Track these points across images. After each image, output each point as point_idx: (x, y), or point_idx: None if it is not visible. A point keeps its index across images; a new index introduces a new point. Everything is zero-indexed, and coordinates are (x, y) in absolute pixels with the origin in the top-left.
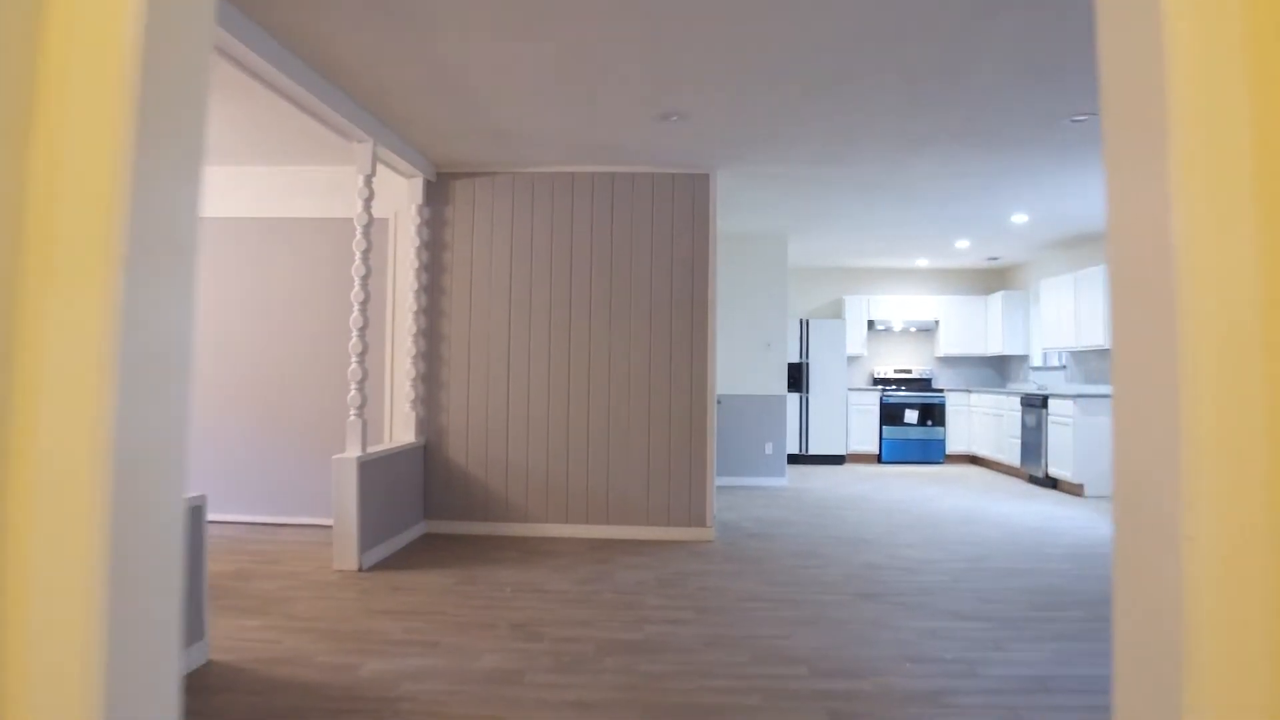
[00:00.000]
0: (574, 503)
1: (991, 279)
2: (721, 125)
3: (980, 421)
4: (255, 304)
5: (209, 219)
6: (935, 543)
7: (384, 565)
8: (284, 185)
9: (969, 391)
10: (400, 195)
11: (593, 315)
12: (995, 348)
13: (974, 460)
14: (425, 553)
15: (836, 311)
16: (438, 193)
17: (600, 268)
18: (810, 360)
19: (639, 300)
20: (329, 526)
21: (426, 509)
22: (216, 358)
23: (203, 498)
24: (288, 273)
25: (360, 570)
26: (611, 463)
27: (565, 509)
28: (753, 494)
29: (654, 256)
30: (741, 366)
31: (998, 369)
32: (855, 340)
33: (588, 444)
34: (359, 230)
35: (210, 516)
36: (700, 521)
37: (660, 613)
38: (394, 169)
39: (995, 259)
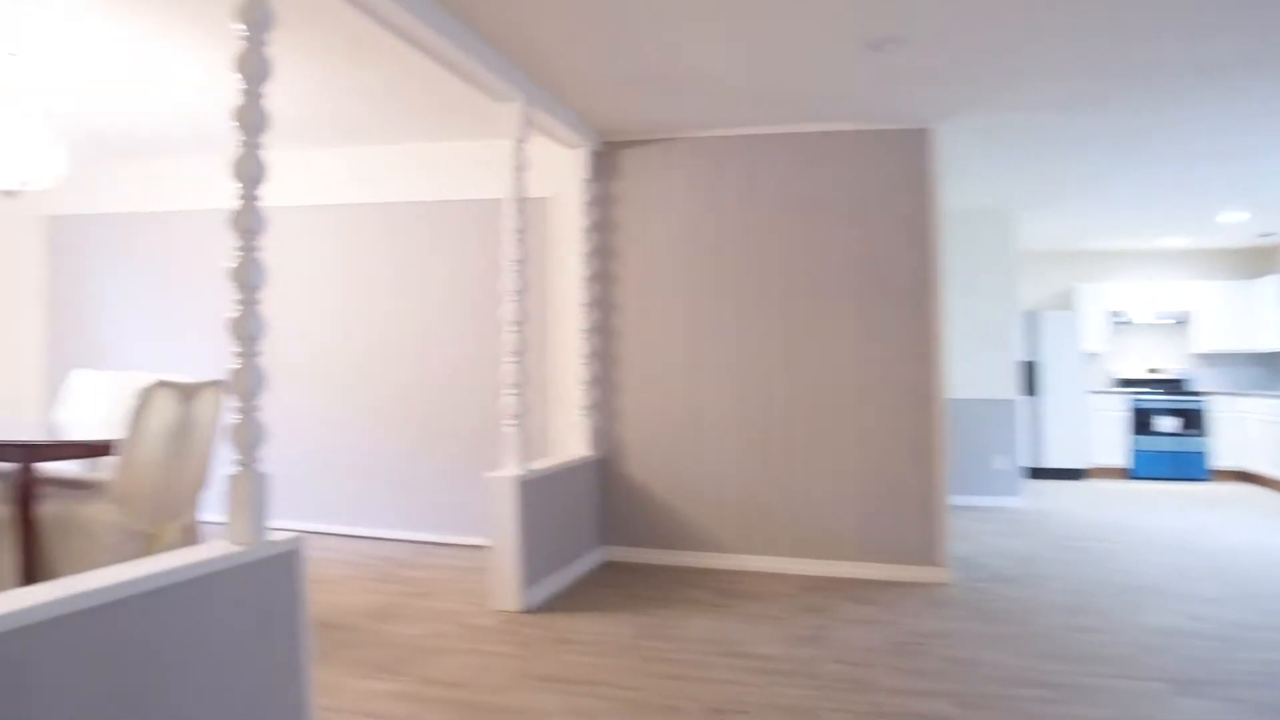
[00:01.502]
0: (777, 531)
1: (1260, 260)
2: (951, 52)
3: (1256, 431)
4: (403, 300)
5: (342, 204)
6: (1246, 597)
7: (551, 605)
8: (427, 164)
9: (1237, 395)
10: (562, 172)
11: (790, 307)
12: (1269, 343)
13: (1247, 477)
14: (602, 589)
15: (1066, 302)
16: (605, 165)
17: (796, 248)
18: (1040, 359)
19: (844, 287)
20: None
21: (605, 533)
22: (367, 357)
23: (299, 539)
24: (438, 263)
25: (522, 611)
26: (819, 484)
27: (767, 539)
28: (983, 518)
29: (861, 234)
30: (961, 365)
31: (1272, 368)
32: (1092, 335)
33: (790, 461)
34: (511, 206)
35: (367, 533)
36: (931, 558)
37: (903, 701)
38: (553, 137)
39: (1269, 234)
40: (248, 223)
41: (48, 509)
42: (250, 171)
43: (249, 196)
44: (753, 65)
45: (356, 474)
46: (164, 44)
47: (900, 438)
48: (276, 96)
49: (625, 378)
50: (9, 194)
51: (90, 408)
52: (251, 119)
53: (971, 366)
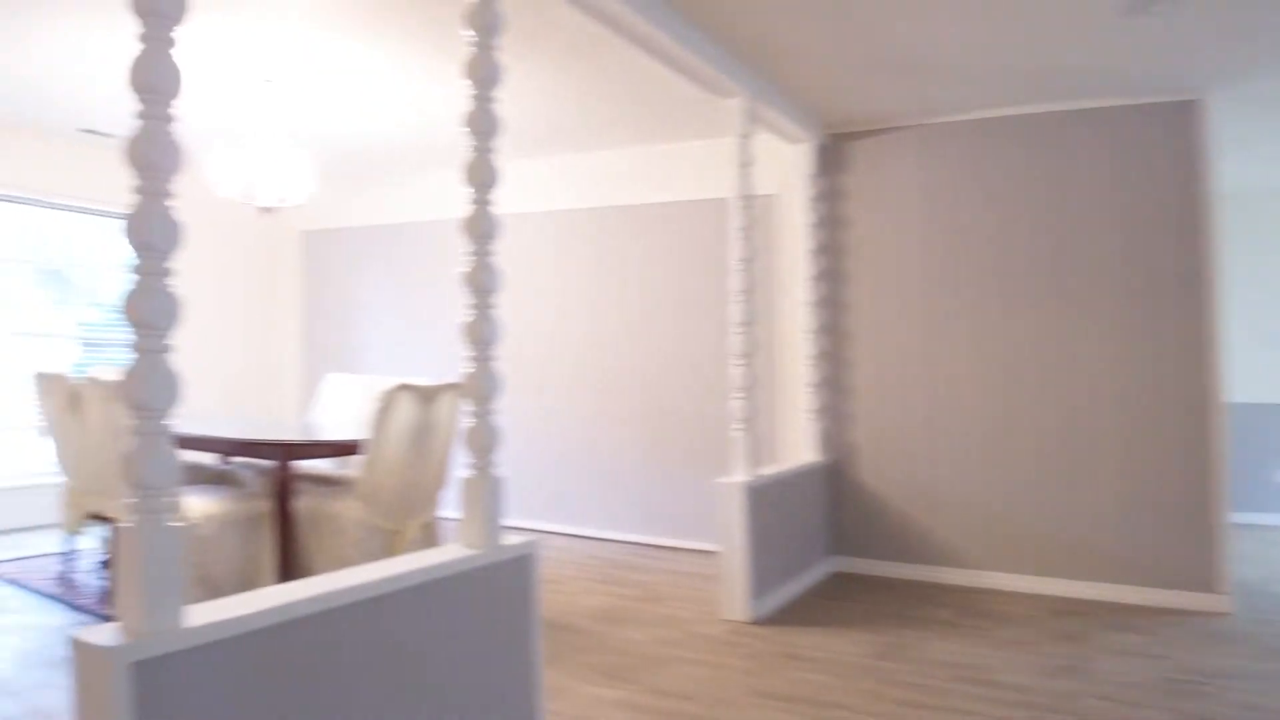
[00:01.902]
0: (1024, 547)
1: None
2: (1227, 7)
3: None
4: (630, 303)
5: (565, 210)
6: None
7: (781, 617)
8: (645, 168)
9: None
10: (786, 168)
11: (1037, 303)
12: None
13: None
14: (833, 602)
15: None
16: (832, 159)
17: (1043, 239)
18: None
19: (1100, 282)
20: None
21: (835, 542)
22: (595, 360)
23: (533, 544)
24: (663, 265)
25: (751, 622)
26: (1073, 496)
27: (1015, 554)
28: (1262, 538)
29: (1119, 222)
30: (1239, 366)
31: None
32: None
33: (1039, 469)
34: (738, 204)
35: (596, 534)
36: (1206, 584)
37: None
38: (777, 132)
39: None
40: (481, 227)
41: (302, 503)
42: (482, 176)
43: (481, 201)
44: (995, 41)
45: (585, 475)
46: (402, 66)
47: (1169, 446)
48: (508, 103)
49: (856, 380)
50: (267, 210)
51: (341, 409)
52: (482, 123)
53: (1252, 367)
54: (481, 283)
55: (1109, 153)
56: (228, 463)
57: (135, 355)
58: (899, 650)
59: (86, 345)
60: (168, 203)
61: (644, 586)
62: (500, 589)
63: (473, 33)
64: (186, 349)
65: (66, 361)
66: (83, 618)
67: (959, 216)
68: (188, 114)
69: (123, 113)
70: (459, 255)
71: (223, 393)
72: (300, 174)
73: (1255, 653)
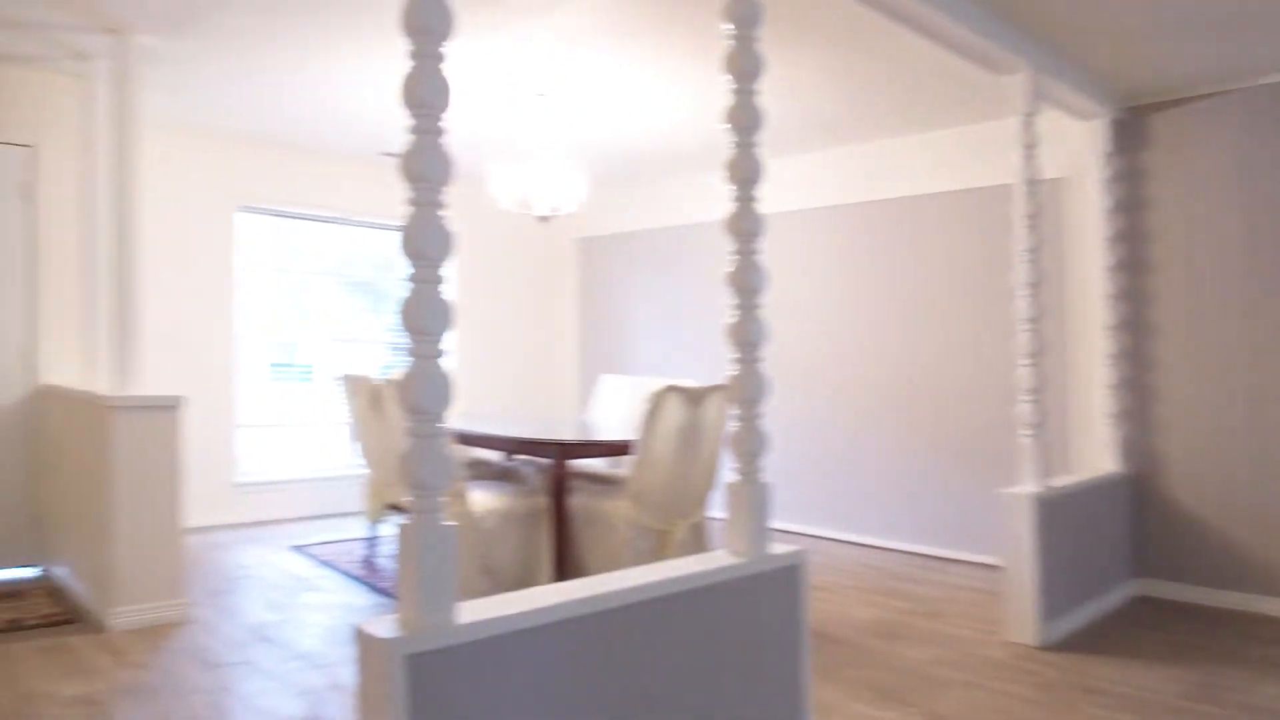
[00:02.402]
0: None
1: None
2: None
3: None
4: (904, 300)
5: (832, 206)
6: None
7: (1074, 643)
8: (916, 157)
9: None
10: (1075, 148)
11: None
12: None
13: None
14: (1135, 629)
15: None
16: (1130, 135)
17: None
18: None
19: None
20: (1003, 567)
21: (1138, 563)
22: (867, 360)
23: (801, 554)
24: (937, 259)
25: (1039, 647)
26: None
27: None
28: None
29: None
30: None
31: None
32: None
33: None
34: (1022, 189)
35: (869, 541)
36: None
37: None
38: (1065, 109)
39: None
40: (744, 225)
41: (576, 501)
42: (745, 172)
43: (745, 198)
44: None
45: (857, 479)
46: (665, 71)
47: None
48: (766, 101)
49: (1163, 381)
50: (543, 219)
51: (613, 410)
52: (744, 118)
53: None
54: (746, 282)
55: None
56: (511, 460)
57: (411, 360)
58: (1216, 691)
59: (392, 349)
60: (440, 213)
61: (920, 600)
62: (767, 599)
63: (731, 26)
64: (474, 352)
65: (373, 364)
66: (382, 600)
67: None
68: (468, 129)
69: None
70: (724, 256)
71: (507, 393)
72: (573, 183)
73: None
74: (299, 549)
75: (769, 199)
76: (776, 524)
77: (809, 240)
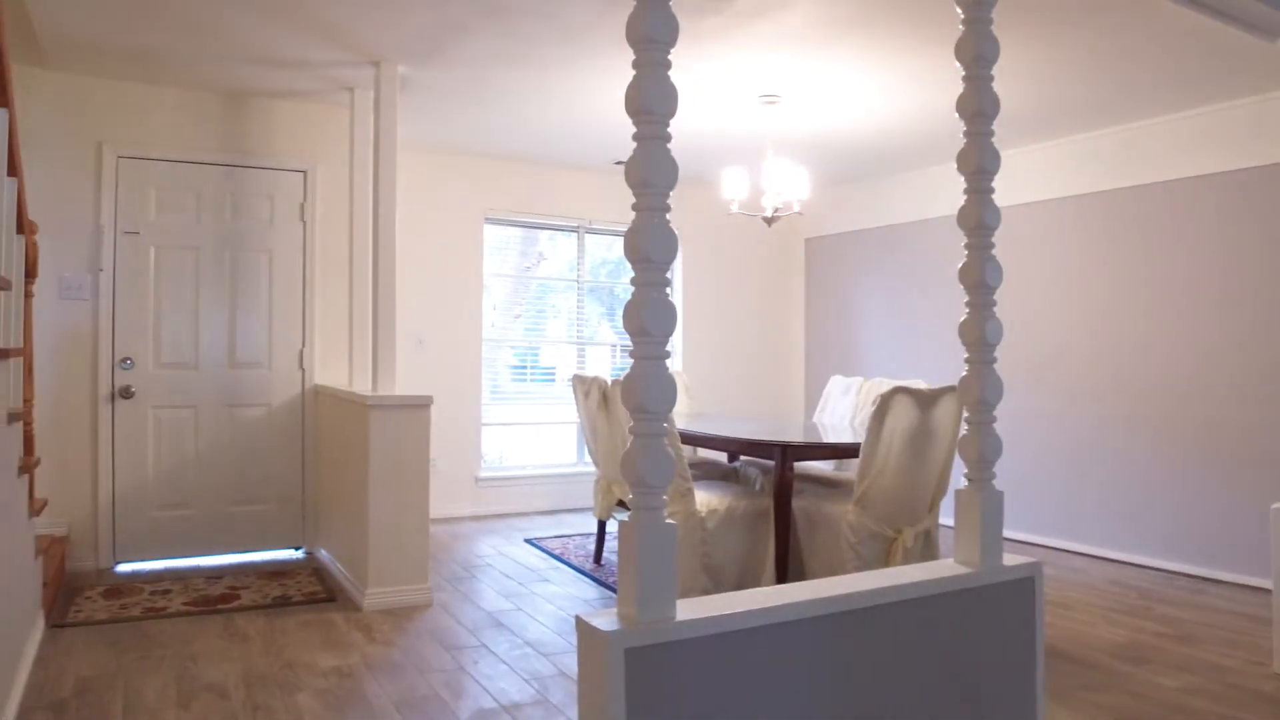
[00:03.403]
0: None
1: None
2: None
3: None
4: (1157, 295)
5: (1075, 196)
6: None
7: None
8: (1172, 139)
9: None
10: None
11: None
12: None
13: None
14: None
15: None
16: None
17: None
18: None
19: None
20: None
21: None
22: (1116, 360)
23: (1036, 566)
24: (1197, 247)
25: None
26: None
27: None
28: None
29: None
30: None
31: None
32: None
33: None
34: None
35: (1115, 556)
36: None
37: None
38: None
39: None
40: (979, 217)
41: (800, 504)
42: (979, 161)
43: (979, 189)
44: None
45: (1105, 489)
46: (892, 65)
47: None
48: (998, 88)
49: None
50: (769, 220)
51: (841, 411)
52: (977, 104)
53: None
54: (979, 279)
55: None
56: (737, 461)
57: (634, 361)
58: None
59: (623, 351)
60: (663, 217)
61: (1174, 622)
62: (997, 612)
63: (962, 10)
64: (702, 354)
65: (606, 366)
66: (608, 593)
67: None
68: (698, 134)
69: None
70: (956, 251)
71: (734, 394)
72: (798, 183)
73: None
74: (533, 542)
75: (1010, 190)
76: (1011, 533)
77: (1052, 234)
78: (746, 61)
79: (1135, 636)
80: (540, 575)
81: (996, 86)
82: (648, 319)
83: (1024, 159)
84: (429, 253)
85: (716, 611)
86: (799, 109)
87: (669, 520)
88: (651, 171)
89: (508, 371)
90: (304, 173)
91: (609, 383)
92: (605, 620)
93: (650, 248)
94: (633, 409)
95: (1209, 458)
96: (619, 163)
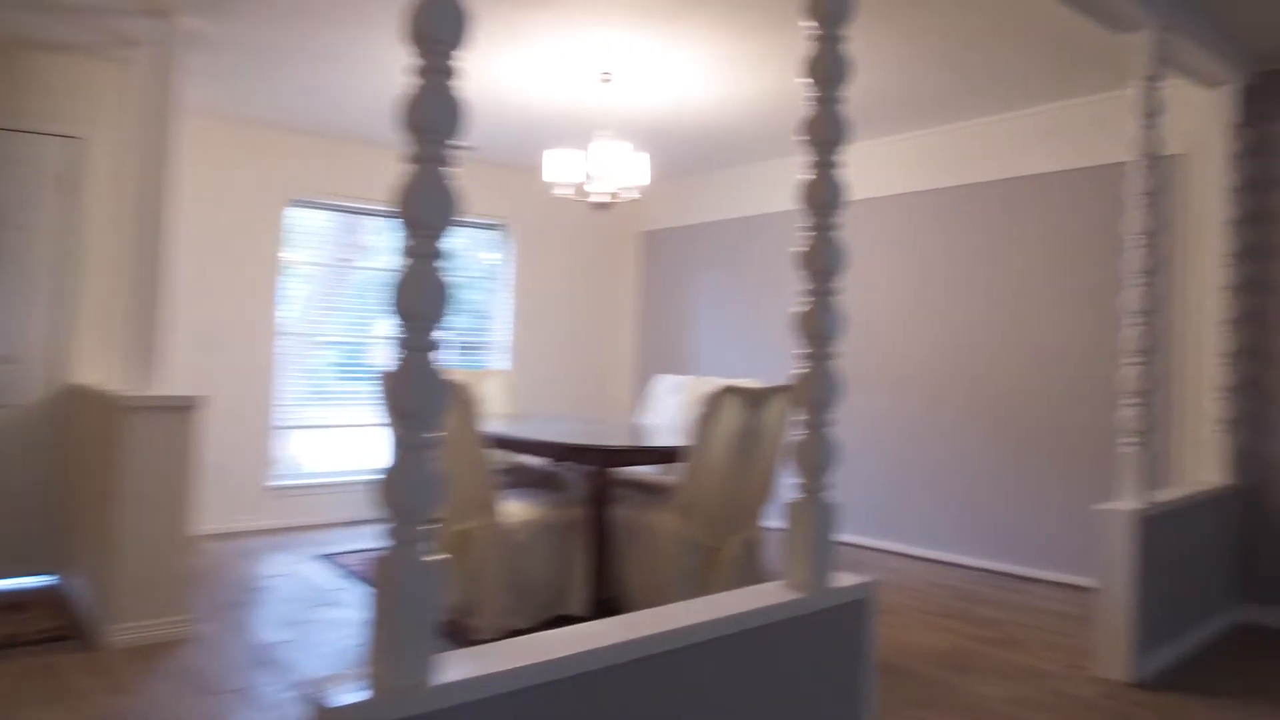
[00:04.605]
0: None
1: None
2: None
3: None
4: (985, 292)
5: (912, 193)
6: None
7: (1172, 680)
8: (1008, 138)
9: None
10: (1196, 122)
11: None
12: None
13: None
14: (1240, 665)
15: None
16: (1262, 103)
17: None
18: None
19: None
20: (1092, 588)
21: (1243, 587)
22: (945, 359)
23: (869, 586)
24: (1027, 247)
25: (1133, 684)
26: None
27: None
28: None
29: None
30: None
31: None
32: None
33: None
34: (1139, 165)
35: (938, 556)
36: None
37: None
38: (1190, 74)
39: None
40: (822, 195)
41: (619, 512)
42: (826, 132)
43: (825, 163)
44: None
45: (927, 488)
46: (734, 50)
47: None
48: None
49: None
50: (600, 207)
51: (668, 412)
52: (826, 69)
53: None
54: (821, 263)
55: None
56: (558, 465)
57: (398, 352)
58: None
59: (464, 349)
60: (442, 170)
61: (997, 626)
62: (829, 638)
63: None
64: (525, 350)
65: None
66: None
67: None
68: (526, 113)
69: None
70: (795, 239)
71: (560, 394)
72: (633, 169)
73: None
74: (327, 557)
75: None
76: (839, 536)
77: (890, 230)
78: (585, 36)
79: (958, 642)
80: (328, 597)
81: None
82: (418, 299)
83: (870, 153)
84: (222, 237)
85: (489, 668)
86: (637, 90)
87: (444, 552)
88: (431, 115)
89: (329, 370)
90: (78, 139)
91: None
92: (344, 687)
93: (423, 208)
94: (397, 415)
95: (1035, 457)
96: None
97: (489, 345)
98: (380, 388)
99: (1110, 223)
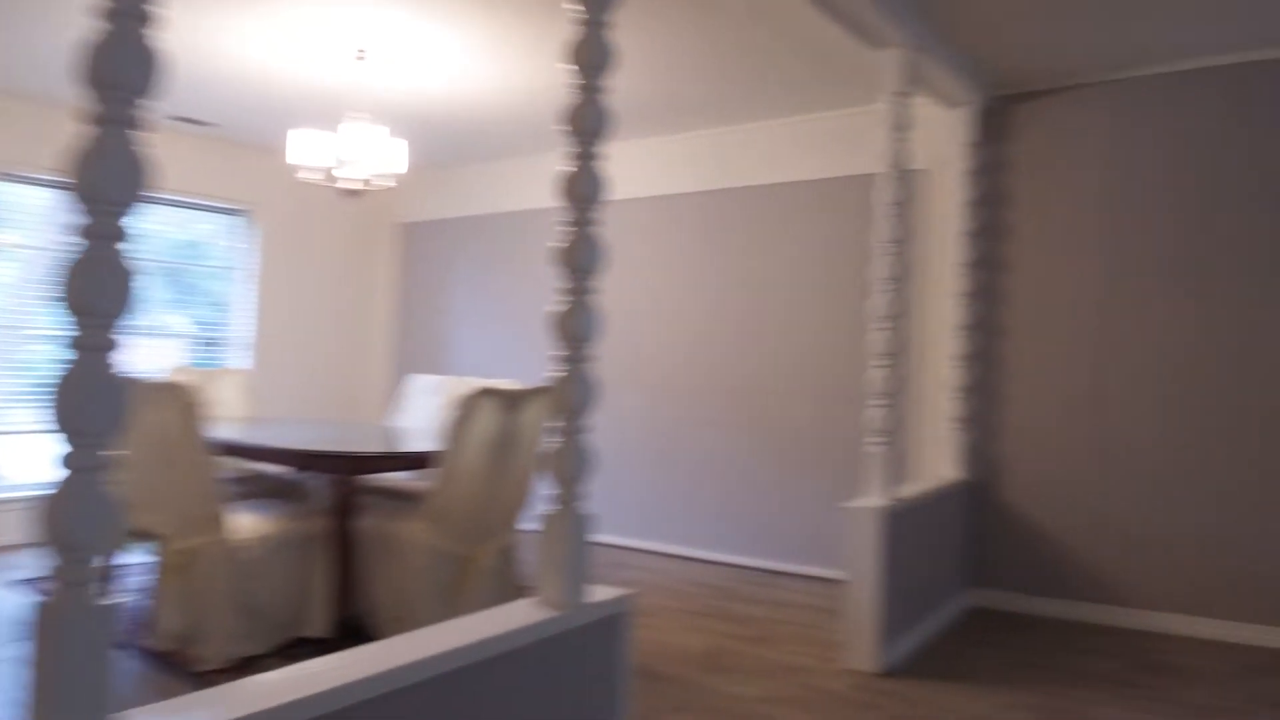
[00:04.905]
0: (1213, 584)
1: None
2: None
3: None
4: (744, 295)
5: (673, 195)
6: None
7: (915, 667)
8: (769, 145)
9: None
10: (938, 140)
11: (1240, 300)
12: None
13: None
14: (975, 648)
15: None
16: (996, 125)
17: (1253, 222)
18: None
19: None
20: (843, 582)
21: (974, 573)
22: (702, 360)
23: (626, 600)
24: (784, 253)
25: (880, 674)
26: (1275, 522)
27: (1197, 593)
28: None
29: None
30: None
31: None
32: None
33: (1242, 492)
34: (889, 176)
35: (697, 554)
36: None
37: None
38: (936, 93)
39: None
40: (583, 188)
41: (365, 523)
42: (588, 121)
43: (585, 154)
44: None
45: (688, 488)
46: (499, 47)
47: None
48: (610, 83)
49: (1011, 385)
50: (351, 194)
51: (422, 415)
52: (589, 55)
53: None
54: (579, 260)
55: None
56: (300, 473)
57: (71, 353)
58: (1058, 717)
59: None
60: (129, 133)
61: (755, 623)
62: (584, 656)
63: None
64: (270, 347)
65: (174, 363)
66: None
67: (1149, 194)
68: (272, 87)
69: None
70: (555, 232)
71: (309, 395)
72: (389, 156)
73: None
74: (25, 583)
75: (615, 184)
76: (597, 539)
77: (653, 231)
78: (337, 8)
79: (715, 642)
80: (24, 632)
81: (615, 77)
82: (94, 289)
83: (631, 154)
84: None
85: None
86: (395, 72)
87: (113, 599)
88: (118, 67)
89: (44, 367)
90: None
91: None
92: None
93: (103, 180)
94: (66, 429)
95: (792, 456)
96: (183, 119)
97: (227, 342)
98: (48, 396)
99: (863, 231)
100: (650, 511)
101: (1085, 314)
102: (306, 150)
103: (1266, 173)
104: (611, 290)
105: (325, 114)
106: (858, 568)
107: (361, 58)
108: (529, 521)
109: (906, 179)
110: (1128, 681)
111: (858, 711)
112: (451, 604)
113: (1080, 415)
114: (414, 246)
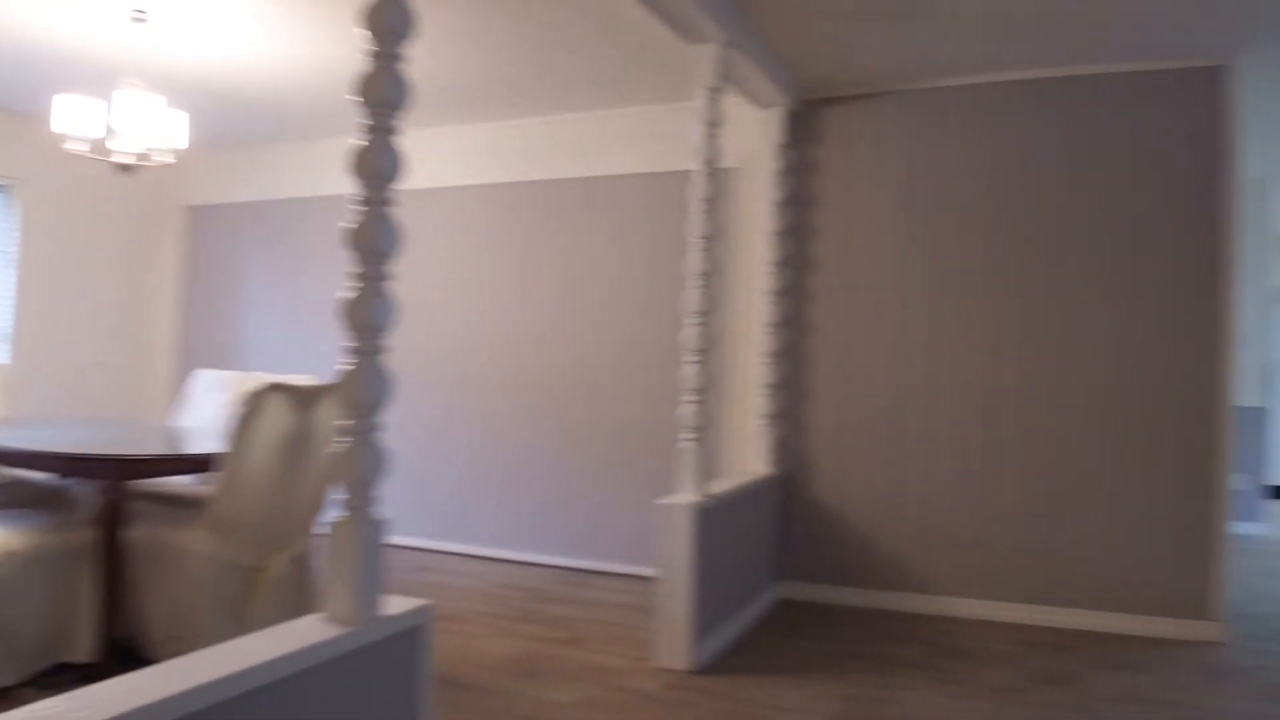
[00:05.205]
0: (998, 570)
1: None
2: None
3: None
4: (557, 288)
5: (482, 185)
6: None
7: (726, 663)
8: (583, 138)
9: None
10: (749, 139)
11: (1031, 298)
12: None
13: None
14: (785, 640)
15: None
16: (804, 128)
17: (1042, 223)
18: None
19: (1099, 272)
20: (655, 579)
21: (782, 566)
22: (510, 356)
23: (425, 611)
24: (598, 248)
25: (692, 671)
26: (1058, 512)
27: (985, 578)
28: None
29: (1127, 203)
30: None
31: None
32: None
33: (1021, 483)
34: (701, 172)
35: (507, 555)
36: (1201, 610)
37: None
38: (748, 93)
39: None
40: (376, 164)
41: (138, 533)
42: (383, 92)
43: (380, 128)
44: None
45: (501, 487)
46: (292, 18)
47: (1166, 453)
48: (412, 64)
49: (817, 382)
50: (125, 169)
51: (207, 413)
52: (385, 19)
53: None
54: (372, 243)
55: (1121, 123)
56: (65, 479)
57: None
58: (873, 706)
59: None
60: None
61: (566, 625)
62: (380, 673)
63: None
64: (34, 340)
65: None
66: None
67: (944, 199)
68: (37, 47)
69: None
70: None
71: (82, 392)
72: (168, 128)
73: (1263, 693)
74: None
75: (418, 173)
76: (403, 541)
77: (460, 222)
78: None
79: (527, 645)
80: None
81: (420, 58)
82: None
83: (437, 141)
84: None
85: None
86: (179, 38)
87: None
88: None
89: None
90: None
91: None
92: None
93: None
94: None
95: (605, 453)
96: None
97: None
98: None
99: (678, 228)
100: (461, 513)
101: (890, 313)
102: (74, 118)
103: (1058, 181)
104: (416, 283)
105: (99, 80)
106: (670, 565)
107: (141, 19)
108: (326, 527)
109: (718, 176)
110: (929, 666)
111: (670, 711)
112: (239, 619)
113: (882, 411)
114: (202, 231)
